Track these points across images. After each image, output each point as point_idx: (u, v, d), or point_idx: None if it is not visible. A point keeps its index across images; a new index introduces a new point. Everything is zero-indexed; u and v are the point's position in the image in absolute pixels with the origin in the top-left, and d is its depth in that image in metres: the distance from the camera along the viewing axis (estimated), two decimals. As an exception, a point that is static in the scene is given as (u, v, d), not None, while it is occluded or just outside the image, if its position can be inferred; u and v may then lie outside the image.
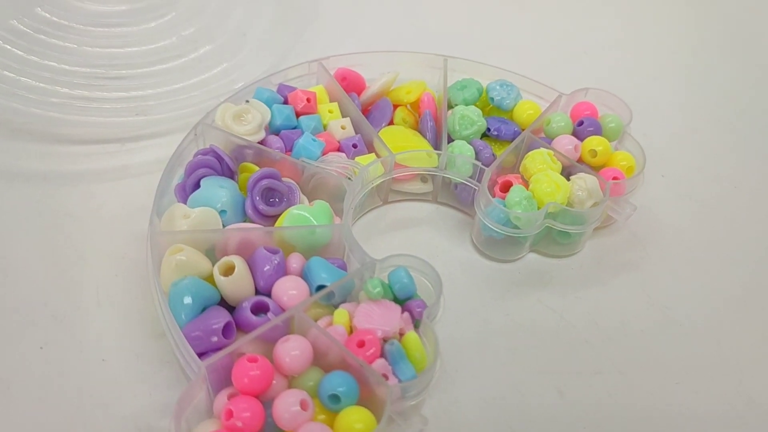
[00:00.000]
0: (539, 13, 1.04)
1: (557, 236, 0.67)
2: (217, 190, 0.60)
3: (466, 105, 0.72)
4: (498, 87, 0.74)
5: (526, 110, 0.73)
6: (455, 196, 0.70)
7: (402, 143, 0.69)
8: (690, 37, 1.06)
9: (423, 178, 0.71)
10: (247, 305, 0.54)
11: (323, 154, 0.66)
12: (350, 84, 0.73)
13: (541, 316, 0.63)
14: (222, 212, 0.60)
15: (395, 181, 0.69)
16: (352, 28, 0.93)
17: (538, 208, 0.64)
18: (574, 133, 0.72)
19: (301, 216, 0.59)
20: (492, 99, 0.74)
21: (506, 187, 0.68)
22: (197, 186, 0.61)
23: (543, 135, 0.73)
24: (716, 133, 0.88)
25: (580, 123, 0.73)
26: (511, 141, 0.71)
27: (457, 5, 1.02)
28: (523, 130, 0.71)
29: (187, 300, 0.53)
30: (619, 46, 1.00)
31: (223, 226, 0.58)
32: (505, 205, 0.64)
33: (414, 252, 0.57)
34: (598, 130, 0.72)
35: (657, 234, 0.72)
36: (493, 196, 0.66)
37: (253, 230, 0.59)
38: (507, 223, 0.64)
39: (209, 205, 0.59)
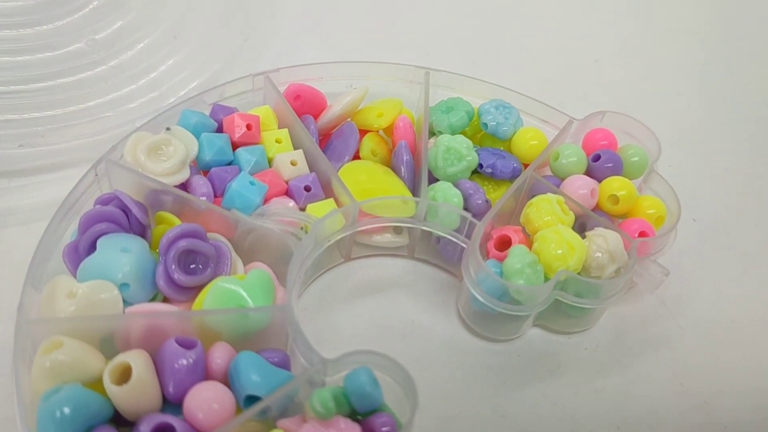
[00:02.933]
0: (541, 16, 0.92)
1: (568, 308, 0.55)
2: (118, 256, 0.48)
3: (453, 133, 0.61)
4: (493, 109, 0.62)
5: (528, 140, 0.62)
6: (437, 251, 0.59)
7: (370, 184, 0.57)
8: (723, 42, 0.92)
9: (396, 229, 0.58)
10: (145, 428, 0.41)
11: (265, 201, 0.54)
12: (305, 104, 0.62)
13: (547, 415, 0.52)
14: (123, 286, 0.47)
15: (361, 233, 0.57)
16: (310, 32, 0.80)
17: (546, 278, 0.52)
18: (589, 171, 0.60)
19: (231, 292, 0.47)
20: (485, 125, 0.62)
21: (503, 244, 0.55)
22: (93, 247, 0.48)
23: (549, 173, 0.61)
24: (760, 164, 0.74)
25: (596, 157, 0.60)
26: (510, 180, 0.60)
27: (441, 6, 0.90)
28: (525, 165, 0.61)
29: (63, 419, 0.40)
30: (636, 55, 0.88)
31: (126, 304, 0.47)
32: (501, 273, 0.52)
33: (384, 325, 0.52)
34: (618, 167, 0.60)
35: (690, 299, 0.60)
36: (487, 255, 0.54)
37: (163, 315, 0.46)
38: (504, 296, 0.51)
39: (107, 275, 0.47)
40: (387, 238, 0.58)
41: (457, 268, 0.57)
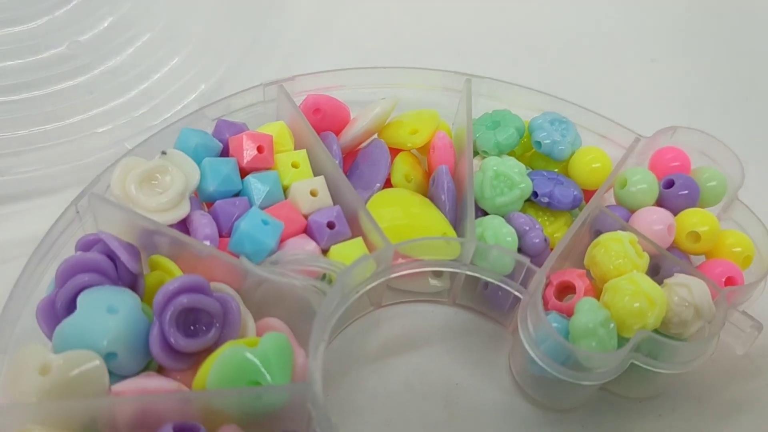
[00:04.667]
0: (588, 10, 0.82)
1: (641, 370, 0.47)
2: (103, 318, 0.40)
3: (500, 153, 0.55)
4: (547, 125, 0.55)
5: (589, 162, 0.55)
6: (484, 297, 0.52)
7: (405, 219, 0.50)
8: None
9: (436, 271, 0.52)
10: None
11: (281, 242, 0.47)
12: (326, 118, 0.55)
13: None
14: (110, 356, 0.40)
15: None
16: (329, 31, 0.74)
17: (620, 338, 0.45)
18: (660, 200, 0.54)
19: (243, 363, 0.39)
20: (538, 144, 0.55)
21: (564, 291, 0.49)
22: (73, 305, 0.41)
23: (613, 202, 0.54)
24: None
25: (669, 183, 0.54)
26: (569, 210, 0.53)
27: (484, 3, 0.81)
28: (586, 191, 0.54)
29: None
30: (699, 54, 0.79)
31: (113, 377, 0.40)
32: (567, 333, 0.45)
33: (422, 390, 0.47)
34: (694, 195, 0.53)
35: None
36: (546, 307, 0.47)
37: (158, 398, 0.39)
38: (569, 360, 0.45)
39: (89, 342, 0.40)
40: (425, 283, 0.52)
41: (508, 317, 0.51)
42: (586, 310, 0.45)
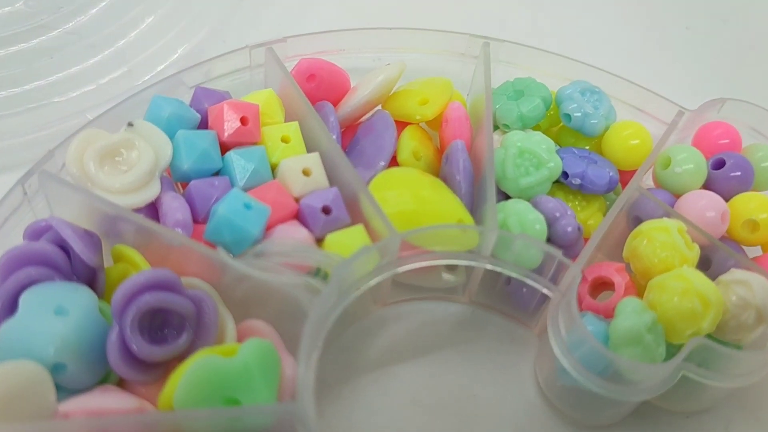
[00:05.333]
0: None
1: (691, 382, 0.41)
2: (49, 321, 0.35)
3: (524, 127, 0.49)
4: (578, 95, 0.49)
5: (626, 138, 0.49)
6: (505, 294, 0.46)
7: (413, 204, 0.44)
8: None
9: (449, 265, 0.45)
10: None
11: (267, 230, 0.41)
12: (322, 86, 0.50)
13: None
14: (57, 367, 0.35)
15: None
16: None
17: (668, 346, 0.40)
18: (708, 183, 0.48)
19: (218, 377, 0.34)
20: (568, 116, 0.49)
21: (599, 288, 0.44)
22: (15, 305, 0.36)
23: (655, 185, 0.49)
24: None
25: (719, 163, 0.48)
26: (603, 194, 0.47)
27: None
28: (623, 173, 0.48)
29: None
30: (738, 21, 0.72)
31: (62, 393, 0.34)
32: (606, 338, 0.39)
33: (434, 403, 0.42)
34: (748, 177, 0.48)
35: None
36: (580, 306, 0.42)
37: (116, 421, 0.33)
38: (608, 370, 0.39)
39: (32, 351, 0.34)
40: (437, 277, 0.46)
41: (533, 316, 0.46)
42: (630, 312, 0.39)
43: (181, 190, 0.44)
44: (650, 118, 0.52)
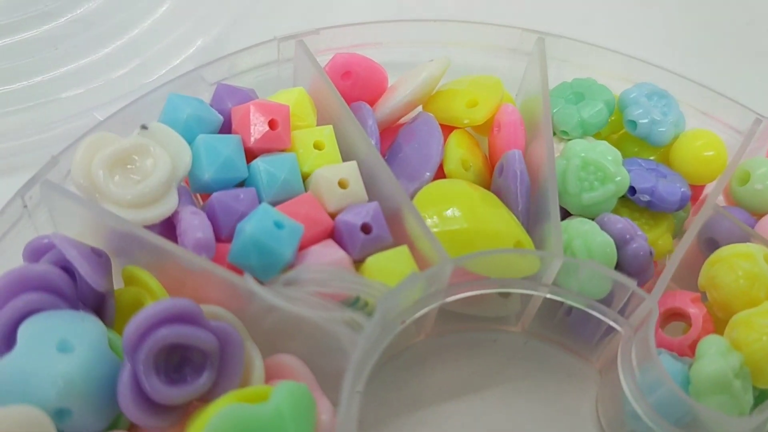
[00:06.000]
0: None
1: None
2: (53, 357, 0.32)
3: (585, 134, 0.46)
4: (644, 99, 0.46)
5: (699, 150, 0.46)
6: (564, 325, 0.43)
7: (465, 221, 0.40)
8: None
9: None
10: None
11: (300, 250, 0.37)
12: (359, 84, 0.47)
13: None
14: (61, 414, 0.31)
15: None
16: None
17: (757, 392, 0.36)
18: None
19: (248, 424, 0.30)
20: (633, 123, 0.46)
21: (669, 318, 0.41)
22: (13, 339, 0.32)
23: (726, 202, 0.46)
24: None
25: None
26: (674, 212, 0.44)
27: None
28: (694, 187, 0.45)
29: None
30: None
31: None
32: (686, 381, 0.36)
33: None
34: None
35: None
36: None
37: None
38: (685, 418, 0.35)
39: (31, 395, 0.31)
40: (489, 304, 0.43)
41: (595, 350, 0.42)
42: (715, 354, 0.36)
43: (201, 203, 0.40)
44: (722, 125, 0.48)
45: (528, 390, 0.42)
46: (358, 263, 0.38)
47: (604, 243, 0.39)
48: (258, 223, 0.36)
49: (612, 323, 0.38)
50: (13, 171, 0.42)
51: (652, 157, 0.46)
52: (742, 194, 0.44)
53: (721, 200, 0.46)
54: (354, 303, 0.36)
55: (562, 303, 0.40)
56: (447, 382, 0.42)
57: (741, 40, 0.66)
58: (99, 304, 0.35)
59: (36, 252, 0.35)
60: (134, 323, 0.32)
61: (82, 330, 0.33)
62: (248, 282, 0.34)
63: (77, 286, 0.35)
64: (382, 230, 0.39)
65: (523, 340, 0.44)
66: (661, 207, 0.42)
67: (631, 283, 0.37)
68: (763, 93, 0.52)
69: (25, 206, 0.38)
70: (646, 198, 0.42)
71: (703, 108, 0.49)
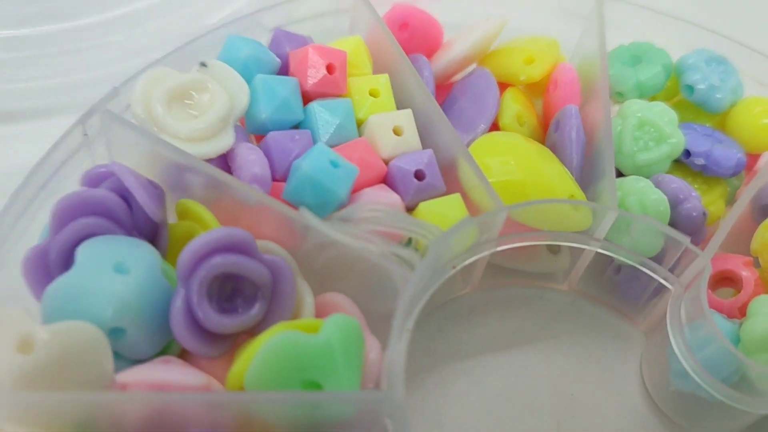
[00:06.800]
0: None
1: None
2: (109, 277, 0.32)
3: (642, 97, 0.46)
4: (703, 65, 0.46)
5: (757, 117, 0.46)
6: (612, 284, 0.43)
7: (519, 174, 0.40)
8: None
9: (552, 246, 0.43)
10: None
11: (353, 192, 0.38)
12: (415, 37, 0.47)
13: None
14: (115, 331, 0.32)
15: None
16: None
17: None
18: None
19: (298, 353, 0.31)
20: (690, 88, 0.46)
21: (719, 283, 0.40)
22: (71, 258, 0.33)
23: None
24: None
25: None
26: (728, 178, 0.44)
27: None
28: (750, 155, 0.45)
29: None
30: None
31: (120, 362, 0.32)
32: (736, 339, 0.36)
33: (528, 402, 0.40)
34: None
35: None
36: None
37: (179, 398, 0.30)
38: (733, 377, 0.36)
39: (88, 311, 0.32)
40: (538, 260, 0.43)
41: (641, 311, 0.43)
42: (767, 313, 0.35)
43: (256, 144, 0.41)
44: None
45: (571, 348, 0.42)
46: (409, 209, 0.39)
47: (659, 200, 0.39)
48: (314, 161, 0.37)
49: (662, 281, 0.39)
50: (71, 109, 0.42)
51: (708, 124, 0.46)
52: (798, 165, 0.43)
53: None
54: (407, 244, 0.36)
55: (611, 261, 0.40)
56: (491, 335, 0.42)
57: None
58: (153, 234, 0.36)
59: (94, 179, 0.36)
60: (190, 249, 0.32)
61: (138, 255, 0.33)
62: (304, 215, 0.35)
63: (133, 214, 0.35)
64: (435, 178, 0.39)
65: (569, 299, 0.44)
66: (716, 172, 0.43)
67: (684, 239, 0.37)
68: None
69: (86, 134, 0.38)
70: (700, 162, 0.42)
71: (762, 78, 0.48)
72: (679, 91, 0.47)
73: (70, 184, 0.38)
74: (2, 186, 0.37)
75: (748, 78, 0.48)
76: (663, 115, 0.42)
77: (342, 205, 0.37)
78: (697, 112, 0.47)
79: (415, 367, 0.40)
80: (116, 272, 0.32)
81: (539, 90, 0.47)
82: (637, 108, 0.42)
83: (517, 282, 0.44)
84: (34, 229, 0.37)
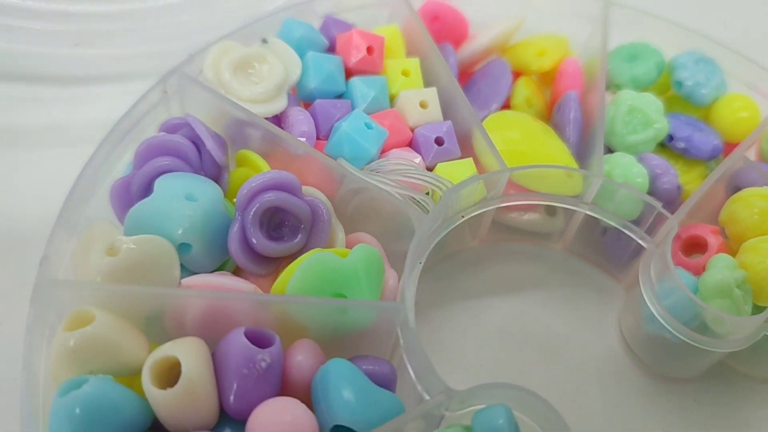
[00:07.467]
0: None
1: None
2: (180, 204, 0.38)
3: (636, 89, 0.50)
4: (691, 64, 0.51)
5: (736, 110, 0.50)
6: (600, 245, 0.48)
7: (523, 145, 0.45)
8: None
9: (550, 209, 0.47)
10: None
11: (382, 153, 0.44)
12: (445, 29, 0.52)
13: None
14: (183, 246, 0.37)
15: (502, 209, 0.46)
16: None
17: (757, 307, 0.41)
18: None
19: (329, 273, 0.36)
20: (679, 84, 0.50)
21: (693, 248, 0.44)
22: (150, 188, 0.38)
23: (758, 157, 0.50)
24: None
25: None
26: (706, 161, 0.48)
27: None
28: (728, 144, 0.49)
29: (84, 423, 0.31)
30: None
31: (184, 272, 0.37)
32: (696, 290, 0.40)
33: (519, 337, 0.45)
34: None
35: None
36: (673, 262, 0.42)
37: (233, 297, 0.35)
38: (693, 321, 0.40)
39: (163, 229, 0.37)
40: (535, 220, 0.47)
41: (623, 270, 0.47)
42: (722, 267, 0.40)
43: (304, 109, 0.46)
44: (757, 94, 0.52)
45: (560, 298, 0.47)
46: (429, 169, 0.44)
47: (639, 173, 0.44)
48: (352, 123, 0.42)
49: (639, 241, 0.43)
50: (157, 74, 0.46)
51: (694, 115, 0.50)
52: (768, 151, 0.47)
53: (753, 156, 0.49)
54: (426, 196, 0.42)
55: (597, 224, 0.45)
56: (492, 282, 0.47)
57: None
58: (217, 176, 0.41)
59: (171, 128, 0.41)
60: (247, 185, 0.38)
61: (205, 188, 0.39)
62: (342, 164, 0.41)
63: (202, 158, 0.40)
64: (452, 144, 0.44)
65: (562, 257, 0.49)
66: (695, 155, 0.47)
67: (657, 204, 0.42)
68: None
69: (165, 92, 0.43)
70: (681, 145, 0.47)
71: (744, 78, 0.52)
72: (670, 86, 0.51)
73: (150, 132, 0.42)
74: (93, 133, 0.41)
75: (732, 78, 0.51)
76: (650, 104, 0.47)
77: (372, 161, 0.42)
78: (685, 105, 0.50)
79: (426, 303, 0.44)
80: (187, 200, 0.37)
81: (549, 80, 0.51)
82: (628, 97, 0.47)
83: (519, 239, 0.48)
84: (121, 166, 0.41)
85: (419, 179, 0.41)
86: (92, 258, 0.36)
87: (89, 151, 0.41)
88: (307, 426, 0.32)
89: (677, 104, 0.51)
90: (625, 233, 0.44)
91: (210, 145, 0.40)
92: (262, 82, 0.43)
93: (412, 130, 0.45)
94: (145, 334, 0.35)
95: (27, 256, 0.37)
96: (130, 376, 0.33)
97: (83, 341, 0.32)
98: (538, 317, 0.46)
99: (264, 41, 0.45)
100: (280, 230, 0.39)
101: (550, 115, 0.49)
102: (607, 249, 0.47)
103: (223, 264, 0.39)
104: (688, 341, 0.40)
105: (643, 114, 0.46)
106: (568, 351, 0.45)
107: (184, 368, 0.32)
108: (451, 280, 0.46)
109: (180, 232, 0.37)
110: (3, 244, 0.45)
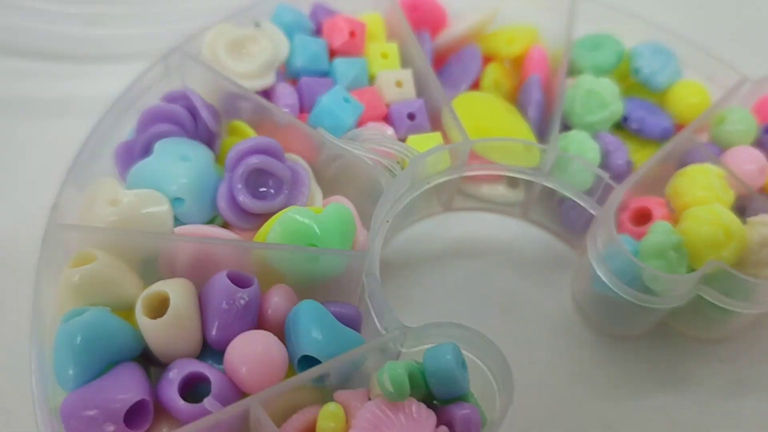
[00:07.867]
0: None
1: (708, 308, 0.46)
2: (176, 164, 0.42)
3: (597, 74, 0.53)
4: (648, 53, 0.54)
5: (687, 96, 0.53)
6: (556, 214, 0.52)
7: (487, 122, 0.49)
8: None
9: (511, 181, 0.51)
10: (175, 376, 0.35)
11: (359, 125, 0.47)
12: (423, 16, 0.55)
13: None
14: (177, 201, 0.41)
15: (467, 180, 0.50)
16: None
17: (691, 267, 0.44)
18: (758, 144, 0.51)
19: (303, 226, 0.40)
20: (637, 70, 0.54)
21: (641, 218, 0.47)
22: (150, 150, 0.43)
23: (709, 140, 0.52)
24: None
25: None
26: (658, 141, 0.51)
27: None
28: (678, 127, 0.52)
29: (83, 346, 0.35)
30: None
31: (177, 223, 0.41)
32: (637, 253, 0.44)
33: (480, 294, 0.48)
34: None
35: None
36: (619, 229, 0.46)
37: (218, 242, 0.40)
38: (635, 281, 0.43)
39: (160, 185, 0.41)
40: (498, 191, 0.51)
41: (578, 239, 0.50)
42: (659, 232, 0.44)
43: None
44: (711, 83, 0.54)
45: (519, 262, 0.50)
46: (402, 140, 0.47)
47: (592, 148, 0.47)
48: (332, 96, 0.46)
49: (590, 209, 0.46)
50: (159, 53, 0.49)
51: (650, 100, 0.53)
52: (717, 133, 0.50)
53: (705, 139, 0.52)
54: (396, 164, 0.46)
55: (555, 195, 0.48)
56: (456, 246, 0.50)
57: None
58: (210, 142, 0.45)
59: (172, 98, 0.45)
60: (235, 149, 0.42)
61: (198, 151, 0.43)
62: (321, 132, 0.45)
63: (197, 125, 0.44)
64: (423, 120, 0.48)
65: (523, 226, 0.52)
66: (648, 134, 0.50)
67: (605, 175, 0.45)
68: (754, 55, 0.59)
69: (168, 67, 0.47)
70: (634, 126, 0.50)
71: (698, 67, 0.55)
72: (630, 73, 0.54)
73: (152, 102, 0.46)
74: (99, 106, 0.45)
75: (691, 68, 0.55)
76: (607, 88, 0.50)
77: (350, 130, 0.46)
78: (642, 91, 0.54)
79: (395, 263, 0.48)
80: (181, 160, 0.41)
81: (519, 66, 0.54)
82: (587, 81, 0.50)
83: (483, 208, 0.52)
84: (123, 131, 0.45)
85: (390, 148, 0.44)
86: (97, 208, 0.40)
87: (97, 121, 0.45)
88: (277, 354, 0.36)
89: (637, 90, 0.55)
90: (578, 203, 0.47)
91: (204, 114, 0.44)
92: (253, 60, 0.47)
93: (388, 105, 0.49)
94: (140, 277, 0.39)
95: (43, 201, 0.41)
96: (126, 311, 0.37)
97: (86, 277, 0.36)
98: (497, 278, 0.49)
99: (257, 24, 0.49)
100: (264, 190, 0.43)
101: (517, 95, 0.53)
102: (564, 218, 0.51)
103: (212, 219, 0.43)
104: (630, 299, 0.43)
105: (600, 96, 0.50)
106: (523, 308, 0.48)
107: (172, 300, 0.36)
108: (420, 243, 0.50)
109: (174, 188, 0.41)
110: (19, 197, 0.50)
